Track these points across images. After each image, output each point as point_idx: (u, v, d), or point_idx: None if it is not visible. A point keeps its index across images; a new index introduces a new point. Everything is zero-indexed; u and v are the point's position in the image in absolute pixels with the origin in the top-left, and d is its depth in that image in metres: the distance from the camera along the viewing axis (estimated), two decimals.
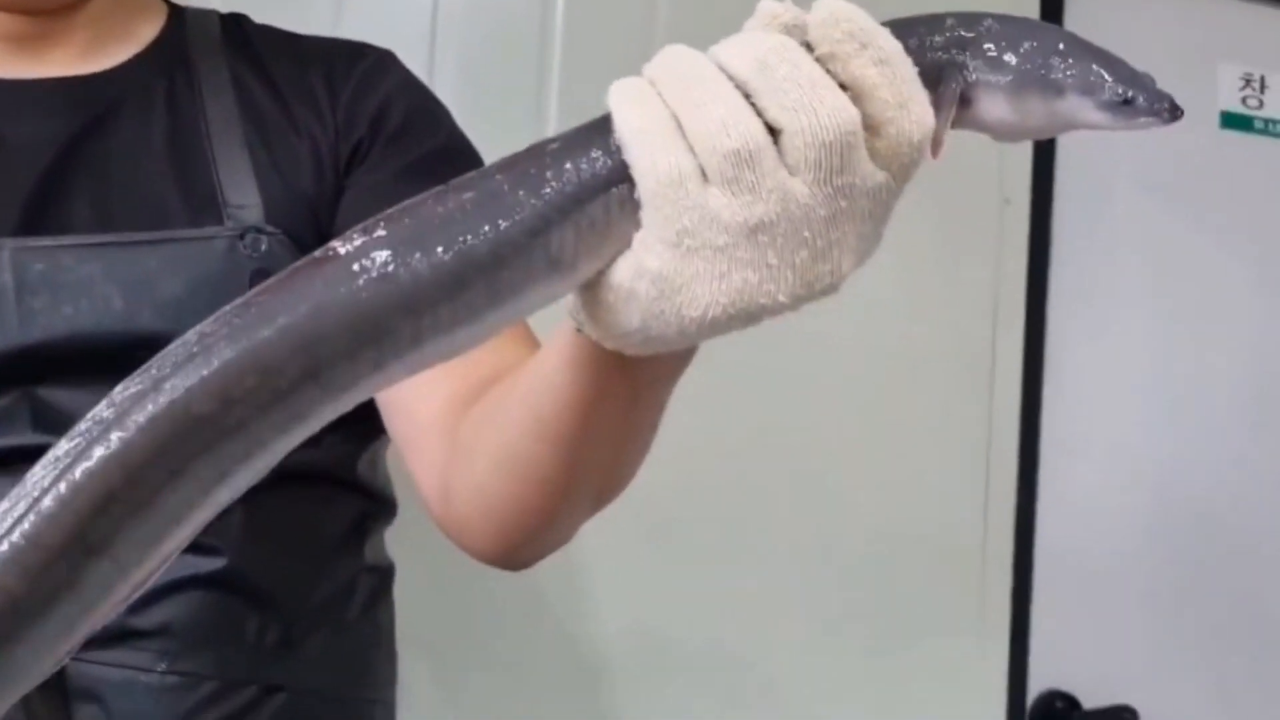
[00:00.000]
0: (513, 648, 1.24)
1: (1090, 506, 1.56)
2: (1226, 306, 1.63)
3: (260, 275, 0.79)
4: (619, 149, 0.45)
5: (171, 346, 0.44)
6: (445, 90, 1.17)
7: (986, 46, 0.46)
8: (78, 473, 0.42)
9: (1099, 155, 1.55)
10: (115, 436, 0.42)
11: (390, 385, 0.46)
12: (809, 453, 1.37)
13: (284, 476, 0.79)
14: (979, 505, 1.45)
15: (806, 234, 0.45)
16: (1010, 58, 0.46)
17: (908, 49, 0.45)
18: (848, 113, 0.44)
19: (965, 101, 0.46)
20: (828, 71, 0.44)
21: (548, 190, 0.44)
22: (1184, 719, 1.60)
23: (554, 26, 1.27)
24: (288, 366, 0.43)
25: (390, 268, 0.44)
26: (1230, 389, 1.63)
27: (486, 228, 0.44)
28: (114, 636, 0.75)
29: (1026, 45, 0.46)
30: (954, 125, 0.47)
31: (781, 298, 0.45)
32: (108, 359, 0.75)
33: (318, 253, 0.46)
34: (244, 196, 0.81)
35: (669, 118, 0.44)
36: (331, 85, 0.85)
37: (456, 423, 0.74)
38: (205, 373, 0.43)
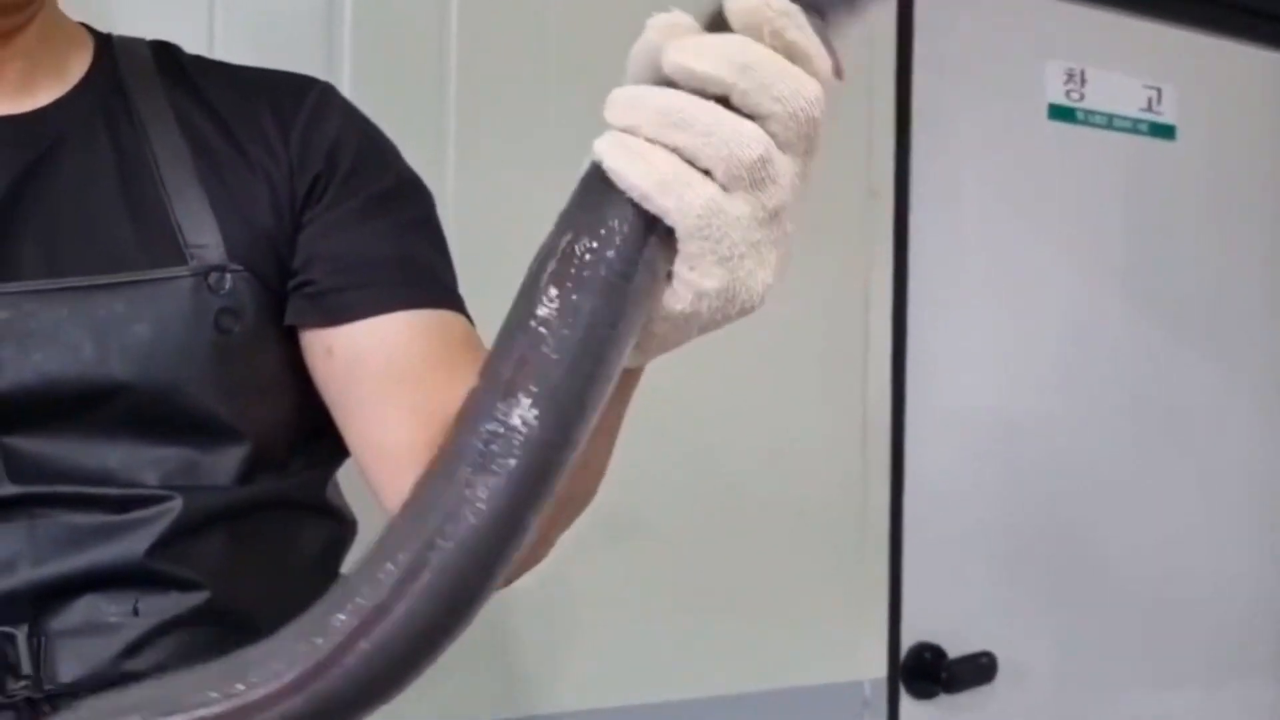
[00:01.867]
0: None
1: (950, 473, 1.69)
2: (1049, 281, 1.78)
3: (225, 314, 0.80)
4: (638, 206, 0.46)
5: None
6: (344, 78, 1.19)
7: None
8: None
9: (948, 148, 1.67)
10: None
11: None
12: (696, 431, 1.43)
13: (257, 506, 0.82)
14: (858, 477, 1.55)
15: (801, 196, 0.49)
16: None
17: None
18: (815, 83, 0.47)
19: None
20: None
21: (599, 287, 0.45)
22: (1035, 659, 1.76)
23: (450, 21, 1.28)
24: None
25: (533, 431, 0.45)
26: (1059, 356, 1.79)
27: (559, 357, 0.45)
28: (110, 682, 0.74)
29: None
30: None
31: (794, 250, 0.49)
32: (78, 405, 0.77)
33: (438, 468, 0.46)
34: (204, 235, 0.81)
35: (673, 156, 0.46)
36: (281, 120, 0.85)
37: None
38: None
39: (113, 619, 0.75)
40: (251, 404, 0.82)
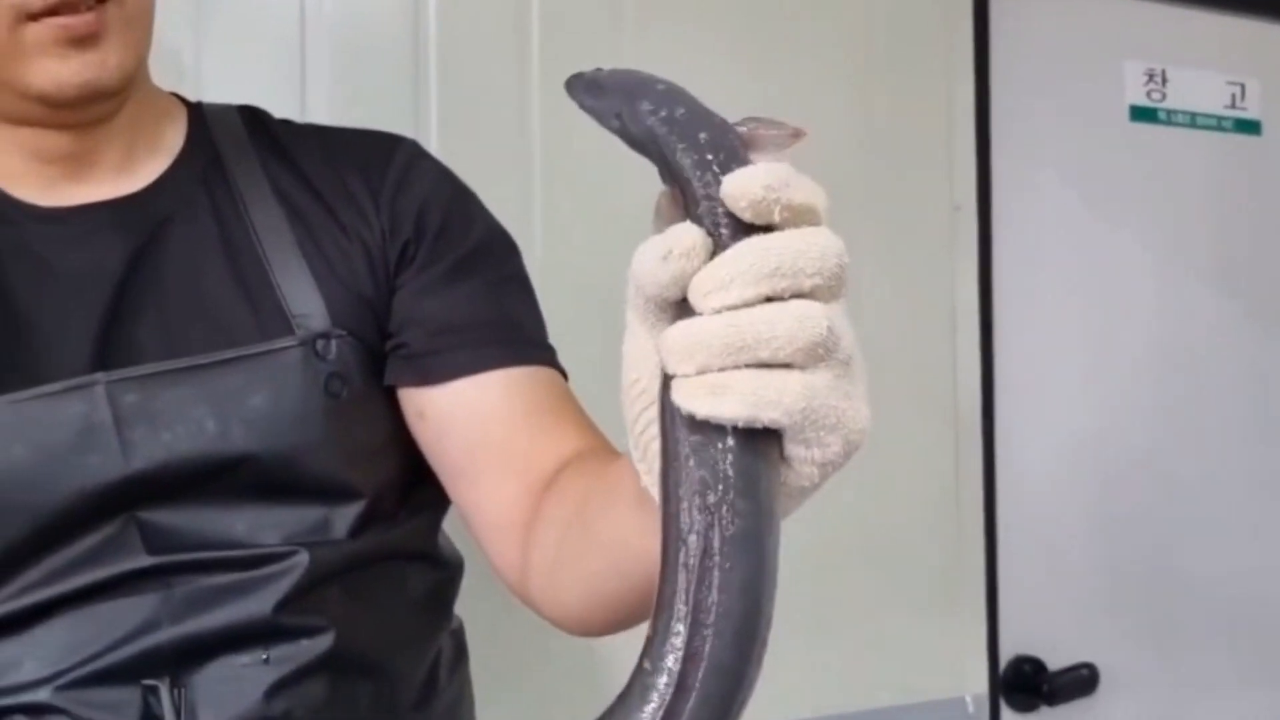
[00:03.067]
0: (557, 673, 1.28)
1: (1042, 484, 1.67)
2: (1136, 287, 1.75)
3: (334, 379, 0.83)
4: (744, 436, 0.47)
5: None
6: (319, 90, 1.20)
7: (702, 128, 0.49)
8: None
9: (1030, 156, 1.66)
10: None
11: None
12: None
13: (371, 558, 0.84)
14: (952, 491, 1.55)
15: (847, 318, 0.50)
16: (692, 115, 0.50)
17: (705, 155, 0.48)
18: (831, 233, 0.48)
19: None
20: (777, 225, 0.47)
21: (748, 530, 0.48)
22: (1137, 670, 1.74)
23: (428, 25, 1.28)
24: None
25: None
26: (1145, 365, 1.76)
27: (745, 604, 0.48)
28: None
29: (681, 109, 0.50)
30: None
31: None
32: (206, 479, 0.80)
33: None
34: (307, 304, 0.83)
35: (753, 371, 0.46)
36: (370, 186, 0.87)
37: (528, 520, 0.79)
38: None
39: (246, 669, 0.79)
40: (364, 463, 0.84)
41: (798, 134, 0.49)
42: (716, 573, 0.47)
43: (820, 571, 1.45)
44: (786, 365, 0.47)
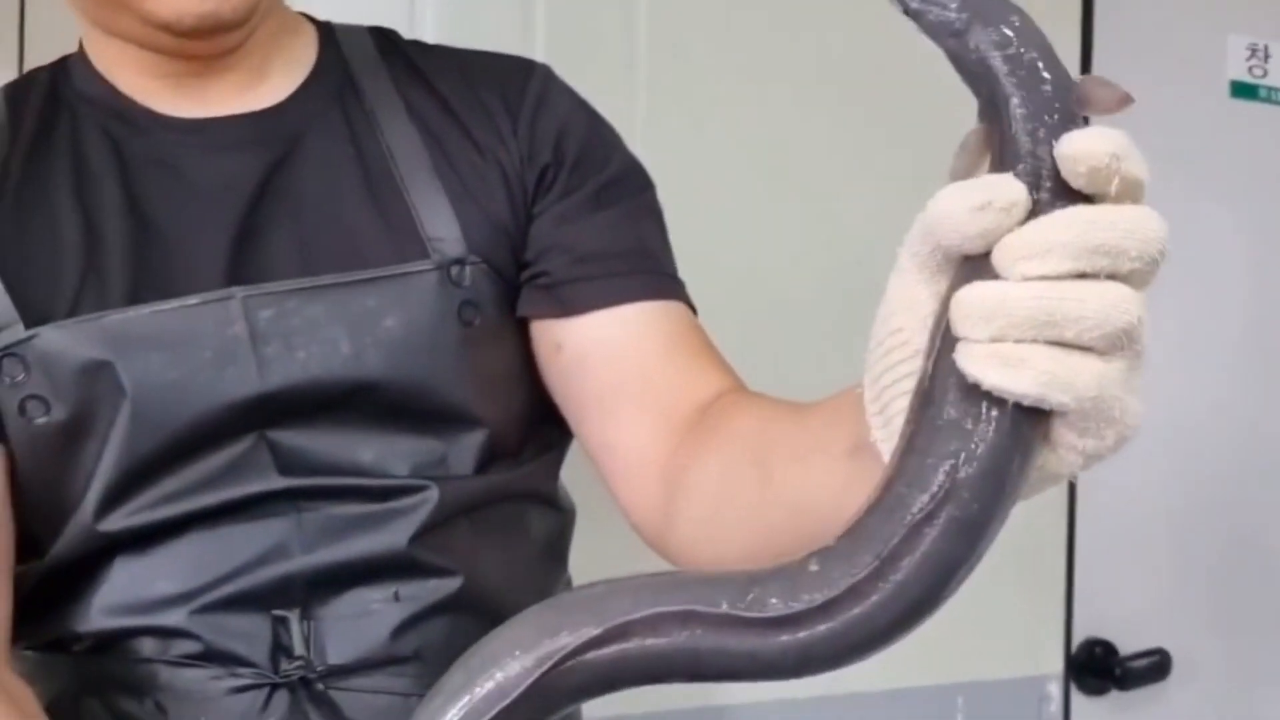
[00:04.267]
0: None
1: (1124, 467, 1.63)
2: (1228, 269, 1.71)
3: (467, 306, 0.80)
4: (1014, 415, 0.44)
5: None
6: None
7: (1052, 77, 0.46)
8: None
9: (1128, 130, 1.61)
10: None
11: None
12: None
13: (495, 495, 0.82)
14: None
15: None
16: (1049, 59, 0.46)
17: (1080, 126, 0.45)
18: (1156, 215, 0.44)
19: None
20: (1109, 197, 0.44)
21: (984, 512, 0.45)
22: (1210, 657, 1.70)
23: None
24: None
25: None
26: (1236, 347, 1.72)
27: (935, 579, 0.46)
28: (375, 664, 0.77)
29: (1035, 48, 0.46)
30: None
31: None
32: (337, 402, 0.78)
33: None
34: (443, 228, 0.81)
35: (1050, 349, 0.44)
36: (508, 107, 0.85)
37: (668, 459, 0.76)
38: None
39: (376, 605, 0.77)
40: (491, 395, 0.82)
41: (1127, 100, 0.45)
42: (922, 548, 0.45)
43: None
44: (1086, 348, 0.44)
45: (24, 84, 0.85)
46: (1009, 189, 0.44)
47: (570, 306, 0.81)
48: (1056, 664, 1.54)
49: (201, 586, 0.75)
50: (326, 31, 0.89)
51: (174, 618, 0.75)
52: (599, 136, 0.87)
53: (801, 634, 0.45)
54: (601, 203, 0.84)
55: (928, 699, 1.43)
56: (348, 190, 0.81)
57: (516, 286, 0.83)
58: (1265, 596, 1.75)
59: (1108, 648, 1.64)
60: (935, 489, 0.44)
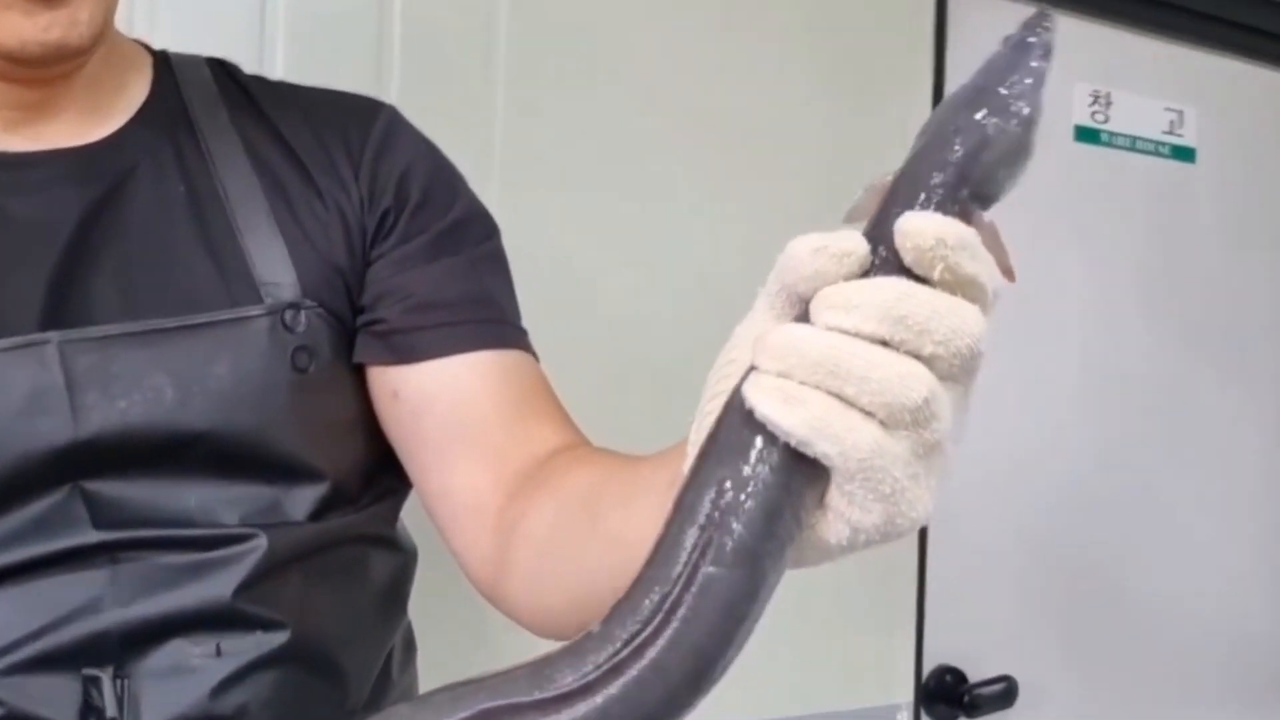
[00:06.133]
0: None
1: (972, 500, 1.68)
2: (1065, 303, 1.77)
3: (301, 352, 0.78)
4: (785, 454, 0.45)
5: None
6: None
7: (971, 156, 0.47)
8: None
9: None
10: None
11: None
12: None
13: (331, 541, 0.80)
14: None
15: (965, 415, 0.48)
16: (998, 147, 0.47)
17: (946, 210, 0.46)
18: (978, 316, 0.45)
19: (990, 205, 0.48)
20: (934, 282, 0.45)
21: (748, 541, 0.44)
22: (1056, 683, 1.76)
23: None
24: None
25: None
26: (1079, 381, 1.78)
27: (710, 609, 0.45)
28: None
29: (991, 126, 0.47)
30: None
31: (951, 469, 0.48)
32: (161, 451, 0.75)
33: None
34: (278, 272, 0.79)
35: (831, 400, 0.44)
36: (350, 151, 0.83)
37: (502, 510, 0.76)
38: None
39: (196, 661, 0.74)
40: (328, 442, 0.80)
41: (1011, 274, 0.47)
42: (697, 583, 0.44)
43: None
44: (870, 414, 0.45)
45: None
46: (847, 240, 0.46)
47: (406, 354, 0.80)
48: (908, 693, 1.57)
49: (6, 647, 0.71)
50: (162, 60, 0.86)
51: None
52: (443, 181, 0.86)
53: (598, 699, 0.44)
54: (442, 249, 0.83)
55: None
56: (177, 230, 0.78)
57: (354, 332, 0.82)
58: (1110, 624, 1.81)
59: (958, 675, 1.68)
60: (703, 519, 0.45)
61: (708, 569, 0.44)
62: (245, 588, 0.75)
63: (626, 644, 0.44)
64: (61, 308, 0.75)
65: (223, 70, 0.87)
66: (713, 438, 0.46)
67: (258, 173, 0.81)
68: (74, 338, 0.73)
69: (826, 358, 0.44)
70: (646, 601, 0.45)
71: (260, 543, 0.76)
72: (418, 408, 0.80)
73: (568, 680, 0.44)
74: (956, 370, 0.46)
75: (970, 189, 0.47)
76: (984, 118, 0.47)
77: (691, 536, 0.45)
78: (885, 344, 0.45)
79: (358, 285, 0.82)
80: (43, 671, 0.71)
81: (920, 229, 0.45)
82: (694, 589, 0.44)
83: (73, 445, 0.72)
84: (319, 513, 0.79)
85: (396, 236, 0.82)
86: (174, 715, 0.73)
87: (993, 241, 0.48)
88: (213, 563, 0.75)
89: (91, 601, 0.73)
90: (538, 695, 0.44)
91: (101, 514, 0.73)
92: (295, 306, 0.78)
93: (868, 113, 1.49)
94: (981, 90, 0.48)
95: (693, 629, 0.44)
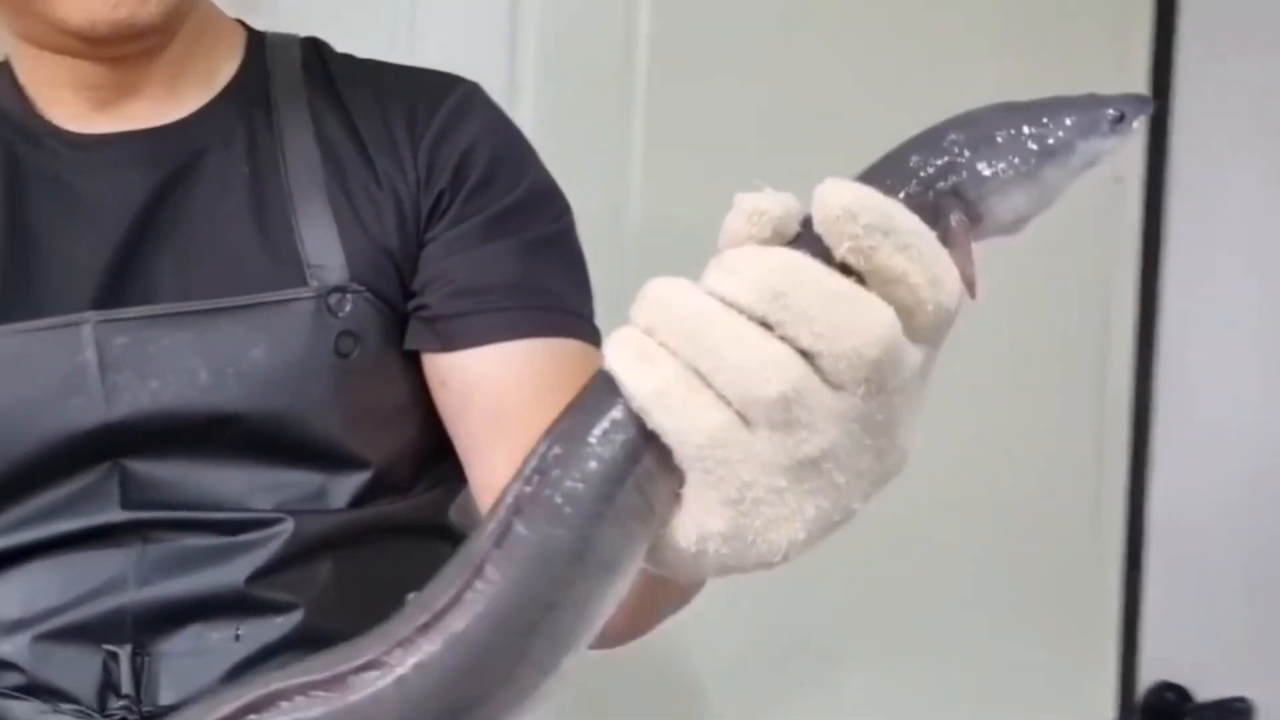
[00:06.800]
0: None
1: (1203, 495, 1.50)
2: None
3: (345, 337, 0.77)
4: (637, 419, 0.40)
5: None
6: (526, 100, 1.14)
7: (966, 159, 0.42)
8: None
9: (1214, 117, 1.47)
10: None
11: None
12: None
13: (372, 529, 0.78)
14: (1091, 496, 1.40)
15: (868, 442, 0.41)
16: (999, 156, 0.42)
17: (903, 199, 0.41)
18: (885, 318, 0.39)
19: (974, 219, 0.42)
20: (846, 267, 0.40)
21: (574, 500, 0.40)
22: None
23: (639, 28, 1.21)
24: None
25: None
26: None
27: (520, 571, 0.41)
28: None
29: (1003, 133, 0.43)
30: (976, 239, 0.43)
31: (856, 505, 0.42)
32: (195, 434, 0.75)
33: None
34: (326, 255, 0.78)
35: (686, 371, 0.39)
36: (413, 130, 0.81)
37: None
38: None
39: (215, 643, 0.75)
40: (373, 430, 0.79)
41: (973, 289, 0.41)
42: (511, 533, 0.40)
43: (943, 574, 1.34)
44: (726, 399, 0.39)
45: None
46: (766, 200, 0.41)
47: (450, 341, 0.78)
48: (1108, 710, 1.43)
49: (37, 616, 0.74)
50: (256, 41, 0.87)
51: (9, 646, 0.74)
52: (509, 161, 0.83)
53: (397, 671, 0.41)
54: (495, 232, 0.80)
55: None
56: (236, 213, 0.79)
57: (406, 317, 0.80)
58: None
59: (1181, 693, 1.51)
60: (529, 472, 0.41)
61: (519, 527, 0.40)
62: (264, 573, 0.75)
63: (433, 614, 0.41)
64: (117, 288, 0.77)
65: (314, 50, 0.87)
66: (582, 389, 0.42)
67: (321, 154, 0.81)
68: (110, 317, 0.75)
69: (690, 321, 0.39)
70: (454, 566, 0.42)
71: (286, 528, 0.75)
72: (463, 397, 0.78)
73: (367, 656, 0.42)
74: (845, 377, 0.39)
75: (953, 187, 0.42)
76: (1007, 125, 0.43)
77: (514, 491, 0.41)
78: (766, 325, 0.39)
79: (410, 269, 0.80)
80: (67, 643, 0.74)
81: (829, 194, 0.39)
82: (501, 547, 0.41)
83: (105, 425, 0.74)
84: (361, 500, 0.78)
85: (450, 218, 0.80)
86: (189, 695, 0.74)
87: (958, 247, 0.41)
88: (235, 547, 0.75)
89: (117, 579, 0.75)
90: (330, 672, 0.42)
91: (133, 494, 0.75)
92: (341, 290, 0.77)
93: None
94: (1027, 108, 0.44)
95: (494, 590, 0.40)
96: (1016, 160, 0.42)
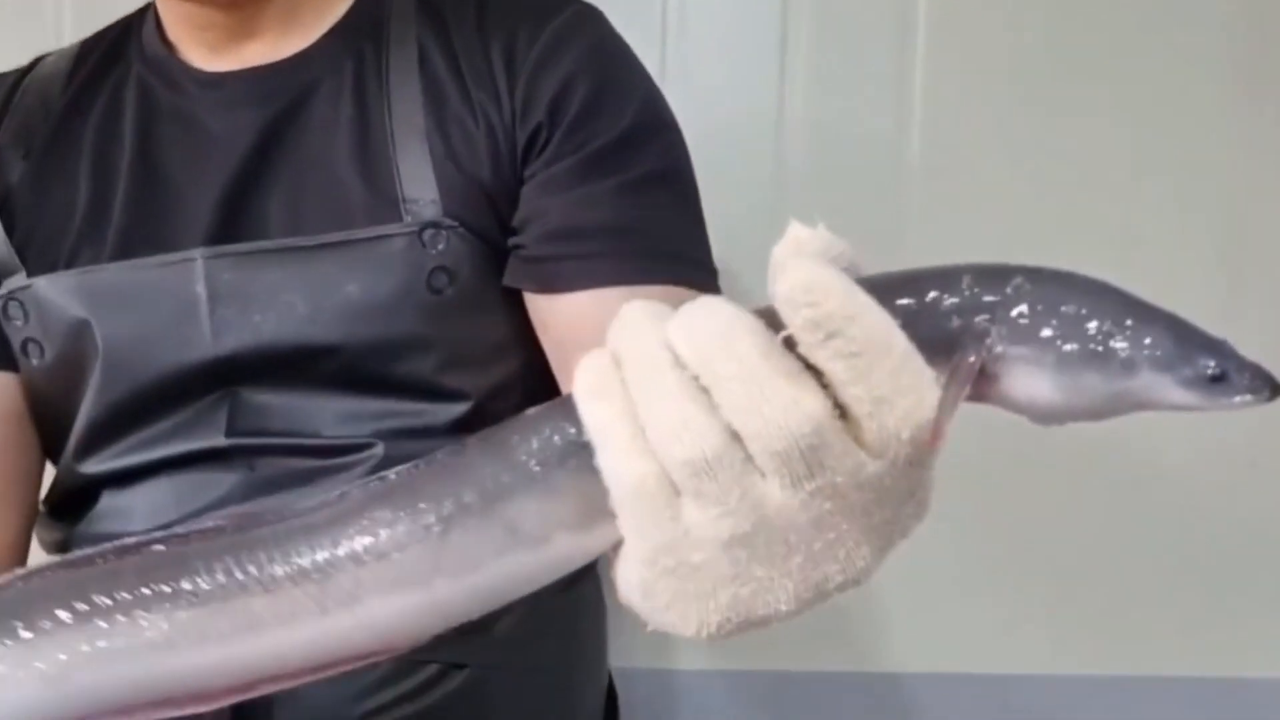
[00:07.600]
0: None
1: None
2: None
3: (439, 273, 0.76)
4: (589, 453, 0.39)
5: None
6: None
7: (1017, 311, 0.36)
8: None
9: None
10: None
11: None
12: (1130, 442, 1.22)
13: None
14: None
15: (793, 539, 0.37)
16: (1051, 325, 0.36)
17: (906, 314, 0.36)
18: (800, 413, 0.36)
19: (989, 376, 0.37)
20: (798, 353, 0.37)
21: (507, 459, 0.40)
22: None
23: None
24: None
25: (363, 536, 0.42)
26: None
27: (436, 493, 0.41)
28: None
29: (1071, 308, 0.36)
30: (978, 400, 0.36)
31: (783, 606, 0.38)
32: (295, 365, 0.78)
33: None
34: (421, 190, 0.77)
35: (629, 413, 0.38)
36: (510, 62, 0.78)
37: None
38: None
39: None
40: (469, 364, 0.79)
41: (936, 436, 0.36)
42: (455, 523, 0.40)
43: (1157, 523, 1.25)
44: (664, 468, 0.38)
45: (101, 33, 0.90)
46: (809, 235, 0.38)
47: (547, 284, 0.76)
48: None
49: (155, 529, 0.78)
50: None
51: None
52: (611, 94, 0.78)
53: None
54: (593, 171, 0.76)
55: (1186, 691, 1.24)
56: (341, 147, 0.79)
57: (505, 253, 0.79)
58: None
59: None
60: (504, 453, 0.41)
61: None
62: None
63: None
64: (230, 223, 0.79)
65: None
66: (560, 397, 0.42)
67: (423, 87, 0.79)
68: (219, 253, 0.78)
69: (640, 365, 0.38)
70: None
71: (376, 452, 0.77)
72: (561, 342, 0.77)
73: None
74: (762, 461, 0.36)
75: (983, 328, 0.36)
76: (1083, 302, 0.37)
77: (487, 466, 0.41)
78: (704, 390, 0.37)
79: (508, 204, 0.78)
80: None
81: (792, 268, 0.36)
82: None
83: (214, 358, 0.78)
84: (460, 430, 0.79)
85: (548, 156, 0.77)
86: None
87: (950, 387, 0.36)
88: (328, 470, 0.78)
89: (226, 498, 0.79)
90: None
91: (238, 421, 0.79)
92: (435, 225, 0.77)
93: None
94: (1123, 301, 0.37)
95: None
96: (1061, 340, 0.36)
